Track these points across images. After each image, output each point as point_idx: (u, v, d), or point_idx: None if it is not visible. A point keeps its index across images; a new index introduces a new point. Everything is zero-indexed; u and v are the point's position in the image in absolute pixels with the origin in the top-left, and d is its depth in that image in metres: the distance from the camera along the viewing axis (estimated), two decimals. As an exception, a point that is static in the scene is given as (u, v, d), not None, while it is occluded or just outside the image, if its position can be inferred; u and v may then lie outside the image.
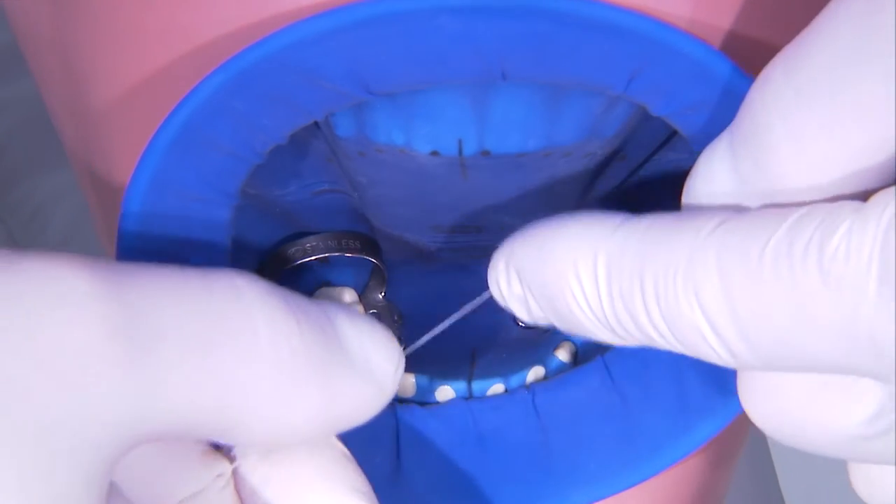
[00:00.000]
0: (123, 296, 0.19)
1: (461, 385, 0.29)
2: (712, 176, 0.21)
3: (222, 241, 0.24)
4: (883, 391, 0.20)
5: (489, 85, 0.24)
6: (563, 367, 0.29)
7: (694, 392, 0.27)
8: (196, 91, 0.21)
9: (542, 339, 0.30)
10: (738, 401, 0.22)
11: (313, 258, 0.29)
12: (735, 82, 0.22)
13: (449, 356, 0.30)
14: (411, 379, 0.29)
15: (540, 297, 0.23)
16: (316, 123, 0.24)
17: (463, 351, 0.30)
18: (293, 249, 0.29)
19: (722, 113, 0.21)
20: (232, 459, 0.22)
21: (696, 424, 0.27)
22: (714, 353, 0.20)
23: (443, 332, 0.31)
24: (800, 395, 0.21)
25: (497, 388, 0.29)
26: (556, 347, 0.30)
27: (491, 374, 0.29)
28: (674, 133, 0.26)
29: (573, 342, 0.30)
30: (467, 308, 0.26)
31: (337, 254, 0.29)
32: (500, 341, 0.31)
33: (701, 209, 0.21)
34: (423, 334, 0.31)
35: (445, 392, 0.29)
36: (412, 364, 0.29)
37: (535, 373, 0.29)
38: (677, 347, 0.21)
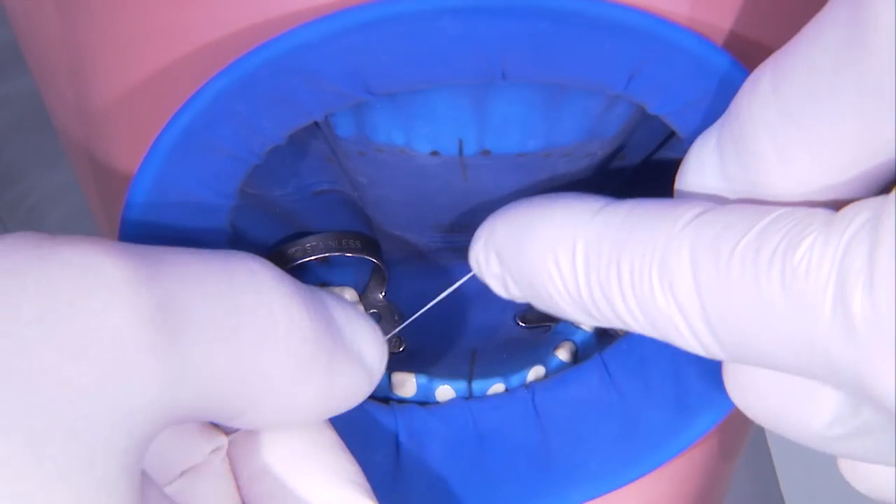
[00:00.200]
0: (153, 282, 0.19)
1: (461, 385, 0.29)
2: (702, 169, 0.21)
3: (221, 242, 0.24)
4: (841, 398, 0.20)
5: (489, 85, 0.24)
6: (563, 367, 0.30)
7: (692, 387, 0.27)
8: (198, 95, 0.21)
9: (542, 339, 0.30)
10: None
11: (313, 258, 0.29)
12: (734, 76, 0.22)
13: (449, 356, 0.30)
14: (411, 379, 0.29)
15: (518, 277, 0.23)
16: (316, 123, 0.24)
17: (463, 351, 0.30)
18: (293, 249, 0.29)
19: (719, 110, 0.21)
20: (226, 433, 0.23)
21: (695, 418, 0.27)
22: (686, 343, 0.21)
23: (443, 333, 0.31)
24: (774, 390, 0.21)
25: (497, 387, 0.29)
26: (556, 347, 0.30)
27: (491, 373, 0.29)
28: (673, 133, 0.26)
29: (573, 342, 0.30)
30: (449, 290, 0.26)
31: (337, 253, 0.29)
32: (501, 341, 0.31)
33: (680, 199, 0.21)
34: (423, 334, 0.31)
35: (446, 392, 0.29)
36: (412, 364, 0.30)
37: (536, 372, 0.29)
38: (652, 334, 0.21)
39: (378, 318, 0.30)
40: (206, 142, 0.22)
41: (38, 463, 0.17)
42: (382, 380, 0.29)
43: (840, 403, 0.20)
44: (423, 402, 0.29)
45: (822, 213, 0.19)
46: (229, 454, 0.23)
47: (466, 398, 0.29)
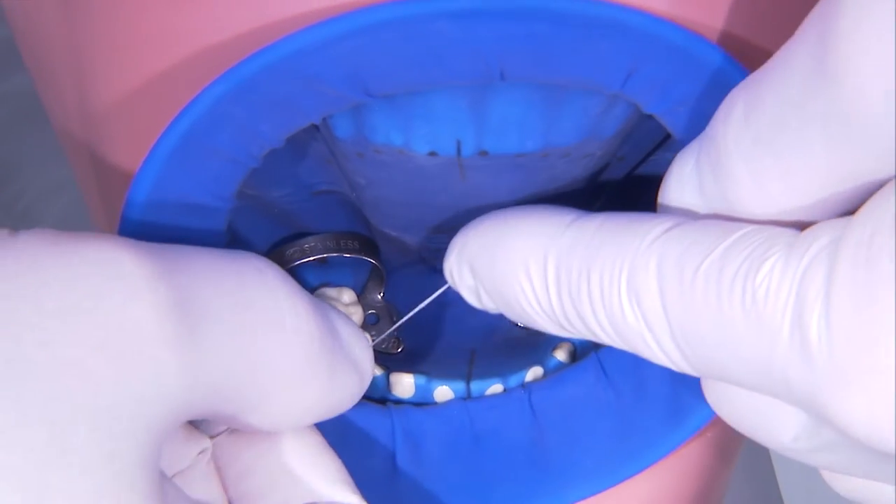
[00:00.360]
0: (170, 277, 0.19)
1: (460, 386, 0.29)
2: (682, 187, 0.21)
3: (219, 244, 0.24)
4: (804, 416, 0.20)
5: (487, 85, 0.24)
6: (561, 368, 0.30)
7: (686, 385, 0.27)
8: (197, 101, 0.22)
9: (540, 340, 0.30)
10: None
11: (312, 258, 0.29)
12: (729, 75, 0.22)
13: (447, 357, 0.30)
14: (409, 380, 0.29)
15: (491, 289, 0.23)
16: (314, 125, 0.24)
17: (461, 352, 0.30)
18: (291, 250, 0.29)
19: (712, 109, 0.21)
20: (210, 437, 0.23)
21: (688, 416, 0.27)
22: (655, 357, 0.21)
23: (441, 333, 0.31)
24: (745, 401, 0.22)
25: (496, 388, 0.29)
26: (554, 348, 0.30)
27: (490, 374, 0.29)
28: (669, 134, 0.26)
29: (572, 342, 0.30)
30: (425, 303, 0.27)
31: (335, 254, 0.29)
32: (499, 342, 0.31)
33: (650, 214, 0.21)
34: (421, 335, 0.31)
35: (444, 393, 0.29)
36: (411, 365, 0.29)
37: (534, 373, 0.29)
38: (622, 347, 0.22)
39: (376, 319, 0.30)
40: (204, 146, 0.22)
41: (61, 454, 0.17)
42: (380, 380, 0.29)
43: (803, 420, 0.20)
44: (421, 402, 0.29)
45: (786, 234, 0.19)
46: (214, 455, 0.23)
47: (465, 399, 0.29)
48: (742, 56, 0.22)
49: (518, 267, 0.23)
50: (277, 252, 0.29)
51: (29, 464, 0.17)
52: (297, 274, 0.30)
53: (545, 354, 0.30)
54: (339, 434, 0.24)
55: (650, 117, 0.24)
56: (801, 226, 0.19)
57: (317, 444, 0.23)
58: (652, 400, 0.27)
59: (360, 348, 0.23)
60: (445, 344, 0.31)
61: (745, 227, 0.19)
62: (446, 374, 0.29)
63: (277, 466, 0.22)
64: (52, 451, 0.17)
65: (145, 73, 0.23)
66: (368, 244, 0.30)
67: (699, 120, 0.22)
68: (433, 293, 0.27)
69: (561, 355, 0.30)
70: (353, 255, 0.29)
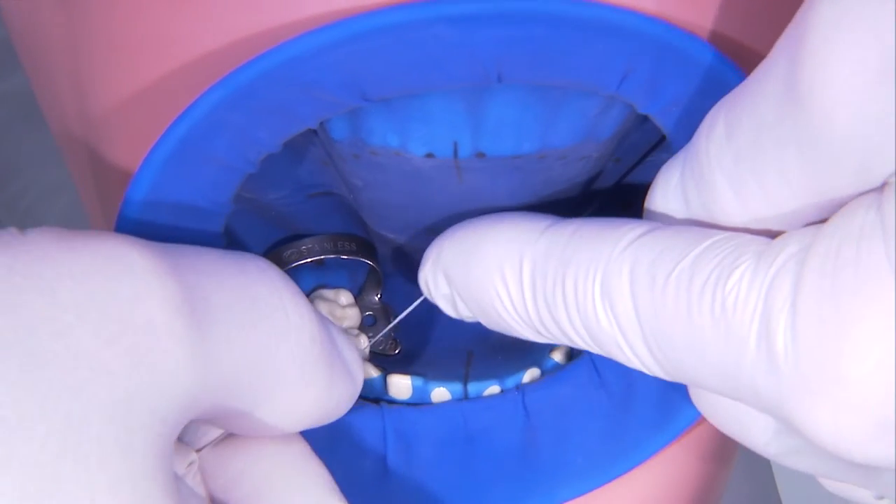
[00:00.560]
0: (178, 274, 0.19)
1: (457, 387, 0.29)
2: (667, 195, 0.22)
3: (217, 247, 0.24)
4: (773, 421, 0.21)
5: (484, 87, 0.24)
6: (558, 369, 0.29)
7: (675, 384, 0.27)
8: (194, 107, 0.22)
9: (537, 342, 0.30)
10: None
11: (309, 260, 0.29)
12: (724, 74, 0.22)
13: (445, 358, 0.30)
14: (406, 381, 0.29)
15: (467, 296, 0.24)
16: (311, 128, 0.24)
17: (458, 353, 0.30)
18: (289, 252, 0.29)
19: (707, 108, 0.21)
20: (196, 450, 0.23)
21: (678, 413, 0.27)
22: (629, 361, 0.21)
23: (439, 335, 0.31)
24: (722, 405, 0.22)
25: (493, 389, 0.29)
26: (551, 349, 0.30)
27: (487, 376, 0.29)
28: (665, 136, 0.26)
29: (569, 343, 0.30)
30: (402, 315, 0.27)
31: (332, 256, 0.29)
32: (496, 344, 0.31)
33: (625, 219, 0.22)
34: (418, 336, 0.31)
35: (441, 394, 0.29)
36: (408, 366, 0.29)
37: (531, 374, 0.29)
38: (598, 351, 0.22)
39: (373, 321, 0.30)
40: (201, 152, 0.22)
41: (77, 445, 0.17)
42: (378, 382, 0.29)
43: (773, 426, 0.21)
44: (418, 404, 0.29)
45: (756, 243, 0.19)
46: (201, 467, 0.23)
47: (461, 400, 0.29)
48: (736, 58, 0.22)
49: (494, 272, 0.23)
50: (275, 254, 0.29)
51: (45, 455, 0.17)
52: (294, 276, 0.30)
53: (542, 356, 0.30)
54: (330, 434, 0.24)
55: (646, 119, 0.24)
56: (776, 234, 0.20)
57: (303, 452, 0.23)
58: (642, 399, 0.28)
59: (354, 358, 0.24)
60: (442, 346, 0.31)
61: (717, 235, 0.20)
62: (443, 376, 0.29)
63: (264, 476, 0.22)
64: (69, 442, 0.17)
65: (143, 78, 0.23)
66: (365, 246, 0.30)
67: (693, 120, 0.22)
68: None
69: (558, 356, 0.30)
70: (350, 257, 0.29)
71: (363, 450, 0.27)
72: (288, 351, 0.21)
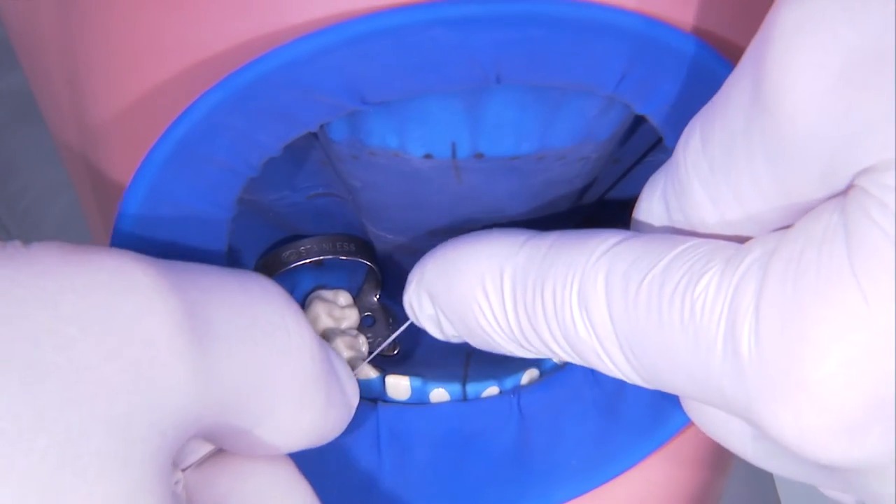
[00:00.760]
0: (180, 290, 0.19)
1: (455, 388, 0.29)
2: (651, 207, 0.22)
3: (218, 251, 0.24)
4: (746, 425, 0.21)
5: (483, 88, 0.24)
6: (556, 370, 0.29)
7: None
8: (192, 109, 0.22)
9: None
10: None
11: (307, 261, 0.29)
12: (720, 74, 0.22)
13: (443, 359, 0.30)
14: (405, 382, 0.29)
15: (451, 315, 0.24)
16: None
17: (457, 354, 0.30)
18: (288, 252, 0.29)
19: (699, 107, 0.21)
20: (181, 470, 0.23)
21: (671, 414, 0.27)
22: (608, 370, 0.21)
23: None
24: (703, 409, 0.22)
25: (492, 390, 0.29)
26: (550, 350, 0.30)
27: (486, 376, 0.29)
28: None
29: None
30: (391, 338, 0.27)
31: (331, 256, 0.29)
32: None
33: (601, 230, 0.22)
34: (417, 336, 0.31)
35: (440, 395, 0.29)
36: (407, 367, 0.29)
37: (530, 375, 0.29)
38: (578, 362, 0.22)
39: (372, 321, 0.30)
40: (200, 154, 0.22)
41: (76, 458, 0.17)
42: (377, 383, 0.29)
43: (747, 429, 0.21)
44: (417, 405, 0.29)
45: (727, 248, 0.19)
46: (186, 486, 0.23)
47: (461, 401, 0.29)
48: (734, 58, 0.22)
49: (476, 287, 0.23)
50: (274, 254, 0.29)
51: (45, 467, 0.17)
52: (293, 276, 0.30)
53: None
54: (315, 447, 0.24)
55: (644, 119, 0.24)
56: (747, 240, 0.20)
57: (290, 473, 0.23)
58: (635, 402, 0.28)
59: (350, 382, 0.24)
60: (441, 346, 0.31)
61: (689, 241, 0.20)
62: (442, 377, 0.29)
63: (250, 496, 0.22)
64: (68, 454, 0.17)
65: (141, 82, 0.24)
66: (364, 246, 0.30)
67: (688, 120, 0.22)
68: None
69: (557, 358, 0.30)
70: (349, 258, 0.29)
71: (357, 449, 0.27)
72: (288, 370, 0.21)
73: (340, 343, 0.28)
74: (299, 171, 0.28)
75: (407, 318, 0.28)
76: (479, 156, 0.25)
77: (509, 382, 0.29)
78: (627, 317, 0.20)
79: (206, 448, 0.23)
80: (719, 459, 0.30)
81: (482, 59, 0.21)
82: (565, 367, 0.29)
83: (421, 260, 0.25)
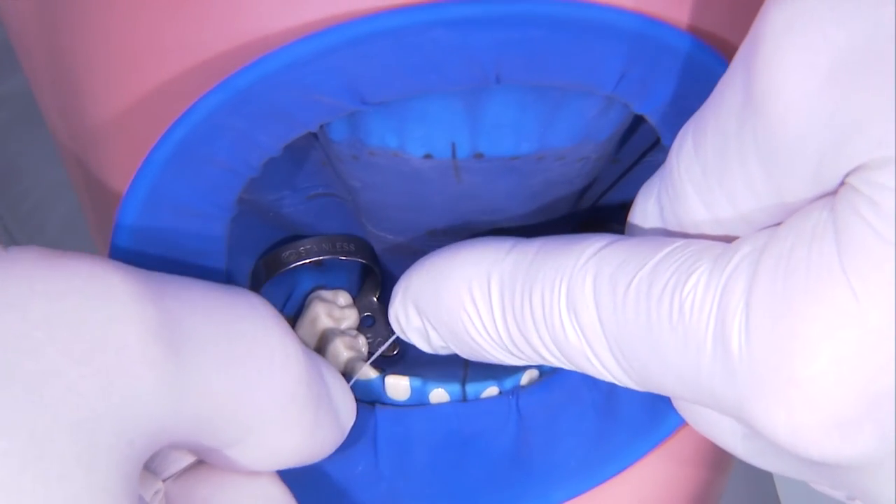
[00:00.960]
0: (159, 301, 0.19)
1: (455, 388, 0.29)
2: (646, 211, 0.22)
3: (218, 252, 0.24)
4: (737, 424, 0.21)
5: (482, 88, 0.24)
6: (556, 370, 0.29)
7: None
8: (192, 110, 0.22)
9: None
10: None
11: (307, 261, 0.29)
12: (718, 72, 0.22)
13: (443, 359, 0.30)
14: (405, 382, 0.29)
15: (439, 325, 0.24)
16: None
17: (457, 354, 0.30)
18: (287, 253, 0.29)
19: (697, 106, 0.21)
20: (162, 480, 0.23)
21: (669, 413, 0.27)
22: (599, 373, 0.21)
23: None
24: (694, 409, 0.22)
25: (491, 390, 0.29)
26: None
27: (485, 377, 0.29)
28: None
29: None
30: (392, 337, 0.27)
31: (331, 257, 0.29)
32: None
33: (588, 234, 0.22)
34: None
35: (439, 395, 0.29)
36: (406, 367, 0.29)
37: (530, 375, 0.29)
38: (568, 367, 0.22)
39: (372, 321, 0.30)
40: (200, 155, 0.22)
41: (38, 460, 0.17)
42: (376, 383, 0.29)
43: (738, 428, 0.21)
44: (417, 405, 0.29)
45: (714, 247, 0.19)
46: (166, 496, 0.23)
47: (461, 401, 0.29)
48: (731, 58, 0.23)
49: (463, 294, 0.23)
50: (273, 254, 0.29)
51: (5, 469, 0.17)
52: (292, 277, 0.30)
53: (541, 357, 0.30)
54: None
55: (643, 119, 0.24)
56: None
57: (270, 483, 0.23)
58: (631, 402, 0.28)
59: (346, 403, 0.24)
60: (441, 346, 0.31)
61: (677, 242, 0.20)
62: (442, 377, 0.29)
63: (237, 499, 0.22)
64: (30, 456, 0.17)
65: (142, 83, 0.24)
66: (364, 246, 0.30)
67: (686, 119, 0.22)
68: None
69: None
70: (348, 258, 0.29)
71: (355, 452, 0.27)
72: (271, 391, 0.21)
73: (340, 343, 0.28)
74: (299, 171, 0.28)
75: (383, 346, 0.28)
76: (479, 156, 0.25)
77: (509, 383, 0.29)
78: (616, 319, 0.20)
79: (189, 459, 0.23)
80: (719, 458, 0.30)
81: (482, 59, 0.21)
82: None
83: (406, 272, 0.25)
